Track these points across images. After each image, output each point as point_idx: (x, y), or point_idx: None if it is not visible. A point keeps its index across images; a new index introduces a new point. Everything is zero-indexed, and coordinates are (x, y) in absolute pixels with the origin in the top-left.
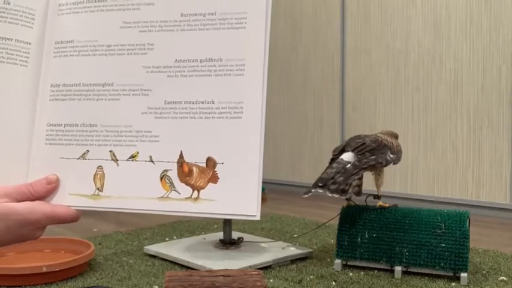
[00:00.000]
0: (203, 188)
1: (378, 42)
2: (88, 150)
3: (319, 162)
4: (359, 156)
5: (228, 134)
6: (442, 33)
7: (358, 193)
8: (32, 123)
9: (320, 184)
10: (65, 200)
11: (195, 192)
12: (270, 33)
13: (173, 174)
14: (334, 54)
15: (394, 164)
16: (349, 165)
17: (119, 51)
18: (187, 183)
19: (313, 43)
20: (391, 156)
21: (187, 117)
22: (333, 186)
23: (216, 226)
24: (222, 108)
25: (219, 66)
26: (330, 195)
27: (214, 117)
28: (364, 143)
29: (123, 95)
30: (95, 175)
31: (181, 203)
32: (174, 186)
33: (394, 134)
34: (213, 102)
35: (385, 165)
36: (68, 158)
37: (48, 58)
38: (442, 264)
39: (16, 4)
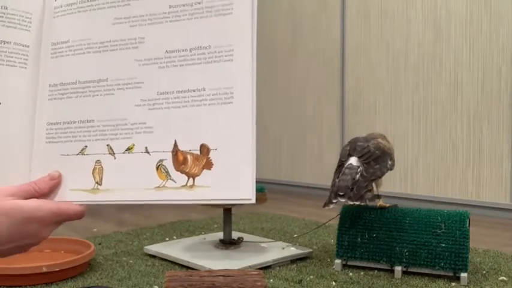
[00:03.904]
0: (198, 175)
1: (378, 43)
2: (86, 146)
3: (319, 162)
4: (365, 165)
5: (220, 120)
6: (442, 33)
7: (372, 199)
8: (33, 124)
9: (341, 193)
10: (66, 196)
11: (191, 179)
12: (270, 34)
13: (168, 163)
14: (334, 54)
15: (390, 170)
16: (359, 169)
17: (112, 47)
18: (182, 171)
19: (313, 43)
20: (390, 163)
21: (179, 107)
22: (351, 194)
23: (216, 226)
24: (212, 94)
25: (208, 53)
26: (351, 203)
27: (205, 105)
28: (369, 151)
29: (117, 89)
30: (93, 169)
31: (177, 191)
32: (170, 175)
33: (383, 136)
34: (204, 90)
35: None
36: (67, 155)
37: (46, 59)
38: (442, 264)
39: (13, 9)
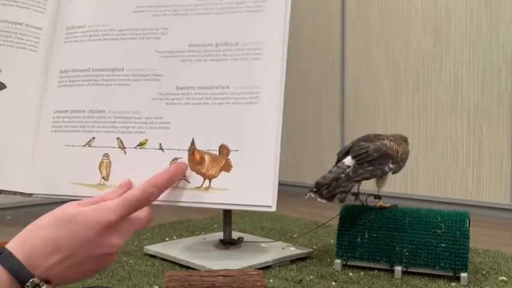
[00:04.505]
0: (215, 177)
1: (378, 42)
2: (94, 137)
3: (319, 162)
4: (356, 165)
5: (243, 120)
6: (442, 33)
7: (343, 200)
8: (40, 110)
9: (314, 189)
10: (67, 190)
11: (206, 181)
12: None
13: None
14: (334, 55)
15: (393, 173)
16: (349, 168)
17: (131, 36)
18: (198, 172)
19: (313, 43)
20: (391, 166)
21: (200, 103)
22: (325, 192)
23: (216, 226)
24: (237, 93)
25: (236, 50)
26: (319, 200)
27: (229, 103)
28: (367, 152)
29: (134, 80)
30: (100, 163)
31: (191, 192)
32: (184, 175)
33: (403, 138)
34: (228, 87)
35: (381, 176)
36: (72, 146)
37: (59, 44)
38: (442, 264)
39: None
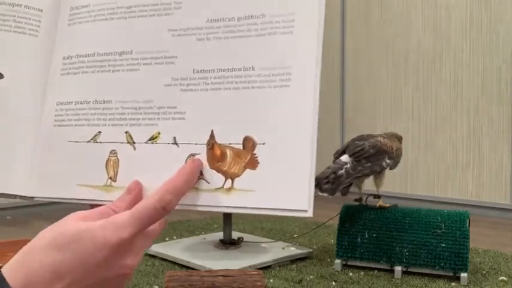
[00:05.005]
0: (238, 176)
1: (378, 42)
2: (100, 132)
3: (318, 162)
4: (355, 162)
5: (272, 107)
6: (442, 33)
7: (345, 193)
8: (42, 103)
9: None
10: (71, 193)
11: (229, 181)
12: None
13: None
14: (334, 55)
15: (390, 169)
16: (346, 165)
17: (140, 13)
18: (218, 170)
19: None
20: (388, 161)
21: (220, 89)
22: (325, 186)
23: (216, 226)
24: (264, 75)
25: (262, 24)
26: (320, 194)
27: (254, 87)
28: (363, 149)
29: (144, 64)
30: (107, 161)
31: (210, 194)
32: (201, 174)
33: (397, 136)
34: (253, 69)
35: (380, 172)
36: (76, 142)
37: (62, 27)
38: (442, 264)
39: None
